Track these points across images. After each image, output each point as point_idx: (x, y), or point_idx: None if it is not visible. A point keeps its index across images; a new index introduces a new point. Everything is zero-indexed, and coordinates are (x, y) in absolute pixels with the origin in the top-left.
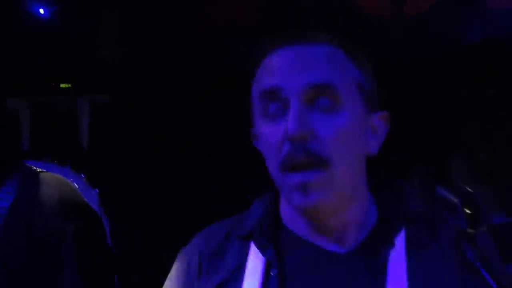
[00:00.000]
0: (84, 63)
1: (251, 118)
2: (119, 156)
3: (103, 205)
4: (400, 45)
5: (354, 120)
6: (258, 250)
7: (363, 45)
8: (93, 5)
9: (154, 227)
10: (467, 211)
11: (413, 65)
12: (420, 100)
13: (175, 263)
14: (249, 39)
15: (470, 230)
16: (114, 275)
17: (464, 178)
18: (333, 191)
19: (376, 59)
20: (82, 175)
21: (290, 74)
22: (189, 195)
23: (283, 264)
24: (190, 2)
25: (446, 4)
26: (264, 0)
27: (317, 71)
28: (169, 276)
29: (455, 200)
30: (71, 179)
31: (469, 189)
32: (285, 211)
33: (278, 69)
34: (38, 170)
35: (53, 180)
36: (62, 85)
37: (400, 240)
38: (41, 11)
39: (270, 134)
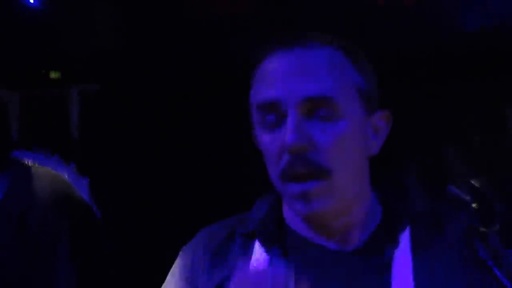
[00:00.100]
0: (74, 52)
1: (249, 116)
2: (110, 145)
3: (94, 195)
4: (396, 35)
5: (353, 127)
6: (262, 249)
7: (358, 36)
8: None
9: (146, 217)
10: (479, 209)
11: (409, 55)
12: (417, 91)
13: (177, 259)
14: (248, 31)
15: (482, 229)
16: (109, 270)
17: (461, 169)
18: (334, 198)
19: (371, 49)
20: (72, 164)
21: (287, 85)
22: (181, 184)
23: (288, 263)
24: None
25: None
26: None
27: (315, 83)
28: (171, 272)
29: (468, 198)
30: (61, 169)
31: (481, 187)
32: (288, 212)
33: (274, 79)
34: (29, 164)
35: (46, 174)
36: (52, 75)
37: (405, 238)
38: (31, 0)
39: (269, 143)
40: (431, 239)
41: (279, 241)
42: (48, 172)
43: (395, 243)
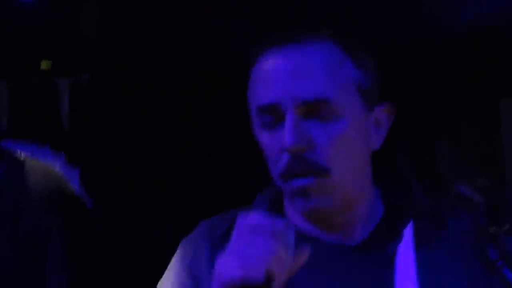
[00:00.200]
0: (65, 43)
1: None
2: (100, 136)
3: (85, 186)
4: (388, 29)
5: (353, 125)
6: None
7: (350, 29)
8: None
9: (138, 209)
10: (490, 209)
11: (401, 50)
12: (409, 85)
13: (178, 251)
14: (243, 24)
15: (492, 229)
16: (103, 264)
17: (453, 163)
18: (334, 196)
19: (363, 41)
20: (62, 155)
21: (284, 88)
22: (173, 174)
23: None
24: None
25: None
26: None
27: (312, 85)
28: (171, 264)
29: (477, 197)
30: (51, 160)
31: (492, 187)
32: (289, 208)
33: (271, 81)
34: (22, 157)
35: (39, 168)
36: (42, 65)
37: (407, 234)
38: None
39: (269, 142)
40: (434, 236)
41: None
42: (41, 166)
43: (398, 237)
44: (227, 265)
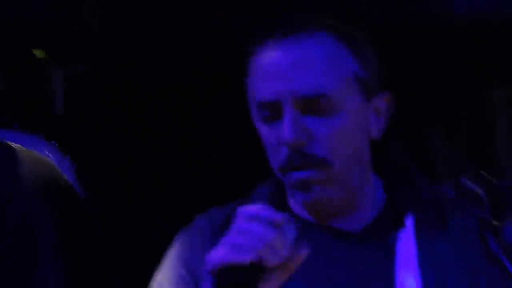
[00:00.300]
0: (60, 33)
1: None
2: (94, 126)
3: (78, 176)
4: (379, 20)
5: (352, 118)
6: None
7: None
8: None
9: (131, 199)
10: (492, 202)
11: (393, 41)
12: (400, 76)
13: (174, 244)
14: (242, 14)
15: (494, 222)
16: (98, 256)
17: (446, 154)
18: (335, 188)
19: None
20: (55, 144)
21: (282, 85)
22: (168, 166)
23: None
24: None
25: None
26: None
27: (310, 81)
28: (167, 256)
29: (480, 190)
30: (44, 149)
31: (494, 180)
32: (291, 198)
33: (271, 75)
34: (14, 146)
35: (32, 158)
36: (37, 55)
37: (409, 222)
38: None
39: (268, 136)
40: (434, 226)
41: None
42: (33, 155)
43: (399, 226)
44: (217, 251)
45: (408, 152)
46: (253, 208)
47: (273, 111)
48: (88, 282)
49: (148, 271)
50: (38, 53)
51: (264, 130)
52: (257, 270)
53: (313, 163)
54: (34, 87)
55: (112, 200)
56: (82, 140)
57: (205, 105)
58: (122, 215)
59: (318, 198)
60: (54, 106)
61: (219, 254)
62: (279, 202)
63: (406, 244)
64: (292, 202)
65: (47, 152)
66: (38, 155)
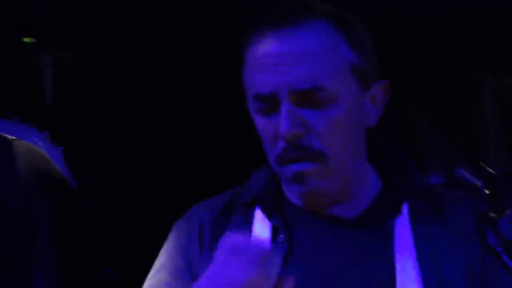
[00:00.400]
0: (50, 17)
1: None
2: (85, 114)
3: (68, 165)
4: (369, 2)
5: (348, 109)
6: (263, 217)
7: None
8: None
9: (122, 187)
10: (491, 194)
11: (383, 28)
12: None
13: (171, 235)
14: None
15: (492, 214)
16: (92, 247)
17: (432, 138)
18: (331, 179)
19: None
20: (45, 133)
21: (280, 77)
22: (160, 155)
23: (290, 231)
24: None
25: None
26: None
27: (307, 73)
28: (164, 248)
29: (479, 182)
30: (34, 137)
31: (493, 172)
32: (286, 188)
33: (267, 67)
34: (8, 137)
35: (27, 150)
36: (26, 40)
37: (404, 210)
38: None
39: (265, 128)
40: (429, 214)
41: (279, 209)
42: (28, 147)
43: (395, 213)
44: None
45: (399, 141)
46: (236, 241)
47: (269, 103)
48: (84, 273)
49: (145, 262)
50: (28, 40)
51: (260, 122)
52: None
53: (310, 156)
54: (23, 75)
55: (104, 191)
56: (73, 130)
57: (198, 93)
58: (115, 206)
59: (314, 190)
60: (45, 95)
61: None
62: (274, 191)
63: (403, 230)
64: (287, 192)
65: (38, 142)
66: (32, 147)
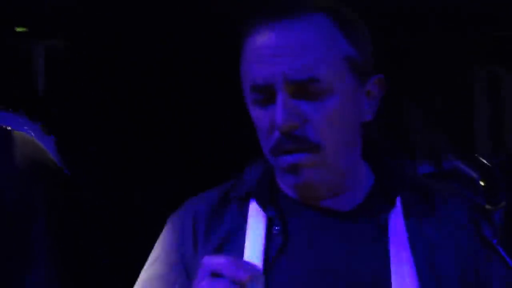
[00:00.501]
0: (41, 6)
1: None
2: (77, 103)
3: (60, 154)
4: None
5: (344, 101)
6: (259, 209)
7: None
8: None
9: (115, 177)
10: (486, 186)
11: (371, 11)
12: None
13: (166, 228)
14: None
15: (487, 206)
16: (86, 237)
17: (422, 129)
18: (325, 171)
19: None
20: (38, 122)
21: (277, 68)
22: (152, 141)
23: (285, 223)
24: None
25: None
26: None
27: (303, 65)
28: (159, 241)
29: (475, 175)
30: (25, 127)
31: (488, 164)
32: (280, 180)
33: (265, 58)
34: (5, 128)
35: (23, 140)
36: (17, 29)
37: (397, 203)
38: None
39: (260, 119)
40: (421, 208)
41: (274, 202)
42: (24, 137)
43: (390, 205)
44: None
45: (392, 132)
46: (217, 262)
47: (266, 94)
48: (80, 262)
49: (140, 251)
50: (19, 29)
51: (256, 113)
52: None
53: (305, 147)
54: (15, 64)
55: (97, 181)
56: (64, 119)
57: (191, 82)
58: (108, 197)
59: (308, 181)
60: (36, 84)
61: None
62: (269, 182)
63: (396, 223)
64: (281, 184)
65: (30, 132)
66: (28, 137)
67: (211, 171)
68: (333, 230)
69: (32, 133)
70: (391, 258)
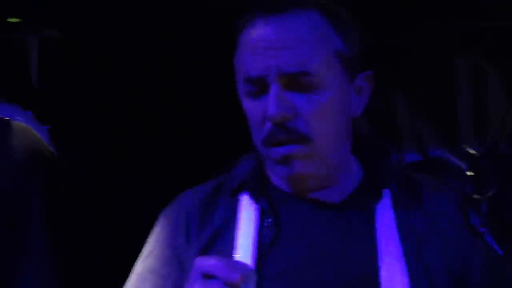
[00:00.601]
0: None
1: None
2: (70, 94)
3: (53, 144)
4: None
5: (335, 95)
6: (250, 201)
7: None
8: None
9: (107, 167)
10: (474, 176)
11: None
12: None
13: (159, 221)
14: None
15: (476, 196)
16: (81, 225)
17: (407, 117)
18: (315, 163)
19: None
20: (30, 112)
21: (270, 60)
22: (144, 132)
23: (276, 214)
24: None
25: None
26: None
27: (295, 58)
28: (152, 235)
29: (463, 165)
30: (19, 117)
31: (476, 153)
32: (271, 172)
33: (258, 51)
34: (4, 119)
35: (21, 130)
36: (10, 20)
37: (386, 196)
38: None
39: (253, 110)
40: (409, 200)
41: (266, 194)
42: (21, 127)
43: (378, 197)
44: None
45: (379, 123)
46: (210, 264)
47: (259, 86)
48: (76, 252)
49: (134, 239)
50: (13, 20)
51: (249, 105)
52: None
53: (295, 138)
54: (9, 55)
55: (86, 166)
56: (58, 110)
57: (184, 72)
58: (100, 185)
59: (299, 173)
60: (30, 75)
61: None
62: (260, 175)
63: (384, 215)
64: (272, 176)
65: (22, 120)
66: (27, 127)
67: (208, 164)
68: (323, 221)
69: (25, 123)
70: (380, 249)
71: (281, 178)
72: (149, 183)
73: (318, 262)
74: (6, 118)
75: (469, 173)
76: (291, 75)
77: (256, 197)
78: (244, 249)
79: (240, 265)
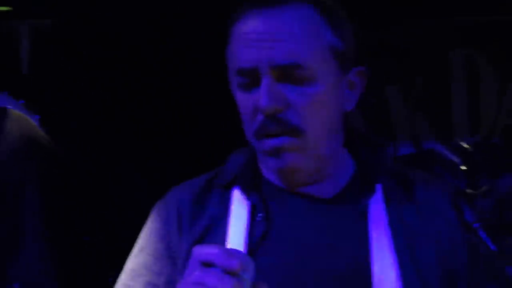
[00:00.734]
0: None
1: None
2: (61, 82)
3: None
4: None
5: (327, 89)
6: (242, 196)
7: None
8: None
9: (98, 156)
10: (468, 171)
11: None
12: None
13: (151, 216)
14: None
15: (469, 191)
16: (76, 213)
17: (403, 110)
18: (307, 155)
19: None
20: (21, 101)
21: (262, 52)
22: (134, 122)
23: (268, 209)
24: None
25: None
26: None
27: (288, 50)
28: (144, 230)
29: (456, 159)
30: (10, 106)
31: (469, 147)
32: (263, 165)
33: (250, 43)
34: (2, 106)
35: (16, 117)
36: (2, 8)
37: (378, 190)
38: None
39: (244, 103)
40: (401, 196)
41: (257, 188)
42: (17, 114)
43: (370, 192)
44: None
45: (373, 116)
46: (208, 252)
47: (251, 78)
48: (71, 237)
49: (129, 224)
50: (4, 8)
51: (241, 97)
52: None
53: (287, 130)
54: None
55: (77, 154)
56: (49, 98)
57: (177, 63)
58: (93, 173)
59: (290, 165)
60: (21, 63)
61: None
62: (252, 170)
63: (377, 209)
64: (264, 170)
65: (13, 108)
66: (22, 115)
67: (208, 161)
68: (315, 216)
69: (17, 112)
70: (372, 244)
71: (273, 171)
72: (145, 171)
73: (309, 256)
74: (1, 106)
75: (462, 168)
76: (283, 67)
77: (247, 192)
78: (235, 244)
79: (239, 253)
